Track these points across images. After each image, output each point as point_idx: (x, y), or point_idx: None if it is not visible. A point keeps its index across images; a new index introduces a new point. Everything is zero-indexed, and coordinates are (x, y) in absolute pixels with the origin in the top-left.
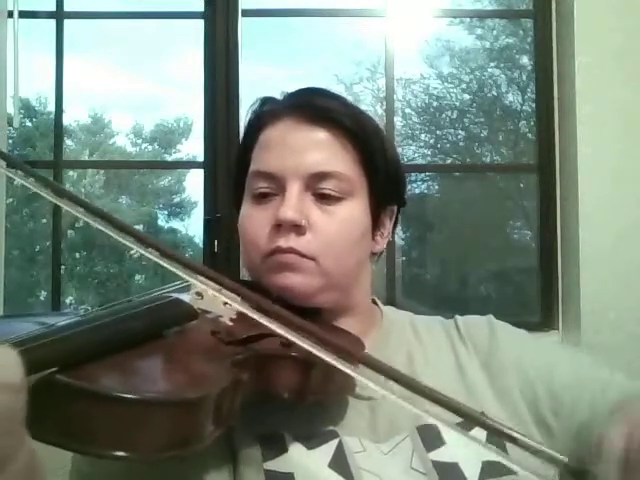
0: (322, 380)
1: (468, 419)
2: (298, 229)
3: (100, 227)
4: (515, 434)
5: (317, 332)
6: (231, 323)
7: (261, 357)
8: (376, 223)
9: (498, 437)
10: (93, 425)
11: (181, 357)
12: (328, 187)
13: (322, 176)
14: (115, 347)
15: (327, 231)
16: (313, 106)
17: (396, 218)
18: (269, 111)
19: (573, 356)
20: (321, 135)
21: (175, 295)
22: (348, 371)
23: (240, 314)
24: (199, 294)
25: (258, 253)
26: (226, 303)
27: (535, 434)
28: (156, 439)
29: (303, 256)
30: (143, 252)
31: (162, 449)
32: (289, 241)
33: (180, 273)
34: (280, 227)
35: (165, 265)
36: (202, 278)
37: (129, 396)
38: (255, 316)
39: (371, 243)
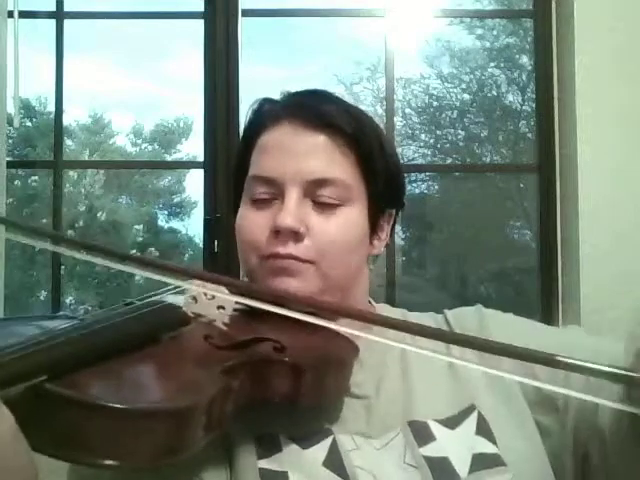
0: (315, 385)
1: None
2: (296, 236)
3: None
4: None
5: (318, 303)
6: (224, 327)
7: (254, 362)
8: (374, 228)
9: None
10: (82, 434)
11: (172, 364)
12: (326, 194)
13: (321, 183)
14: (105, 354)
15: (326, 237)
16: (313, 110)
17: (394, 221)
18: (268, 114)
19: (563, 332)
20: (320, 140)
21: (169, 299)
22: (354, 332)
23: (234, 318)
24: (193, 298)
25: (256, 256)
26: (220, 307)
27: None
28: (146, 447)
29: (301, 261)
30: (140, 273)
31: (152, 457)
32: (288, 248)
33: (180, 283)
34: (279, 233)
35: (163, 279)
36: (197, 281)
37: (117, 405)
38: (253, 303)
39: (369, 247)
